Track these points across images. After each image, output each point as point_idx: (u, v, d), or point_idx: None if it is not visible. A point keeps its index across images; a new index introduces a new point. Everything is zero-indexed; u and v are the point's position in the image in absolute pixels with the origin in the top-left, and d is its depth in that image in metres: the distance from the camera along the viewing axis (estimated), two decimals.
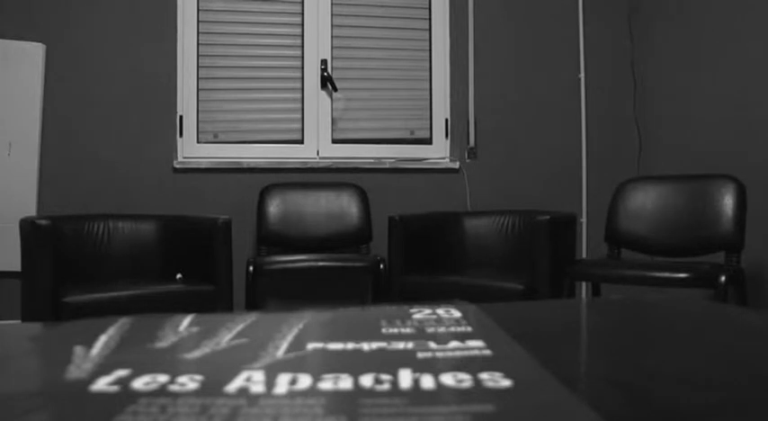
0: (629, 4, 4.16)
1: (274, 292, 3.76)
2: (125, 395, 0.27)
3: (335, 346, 0.36)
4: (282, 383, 0.29)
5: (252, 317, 0.43)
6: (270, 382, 0.29)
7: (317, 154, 3.90)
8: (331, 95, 3.92)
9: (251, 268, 3.24)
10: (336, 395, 0.27)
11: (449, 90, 4.01)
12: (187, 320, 0.43)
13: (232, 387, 0.29)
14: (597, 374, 0.36)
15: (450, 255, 3.55)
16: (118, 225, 3.24)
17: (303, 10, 3.89)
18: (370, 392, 0.28)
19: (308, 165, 3.79)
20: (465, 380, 0.29)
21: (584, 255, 4.01)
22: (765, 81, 3.19)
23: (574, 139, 4.09)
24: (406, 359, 0.33)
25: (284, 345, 0.36)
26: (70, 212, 3.48)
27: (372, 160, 3.88)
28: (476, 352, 0.34)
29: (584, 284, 3.92)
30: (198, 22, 3.78)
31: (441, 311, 0.44)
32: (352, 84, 3.95)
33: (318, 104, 3.90)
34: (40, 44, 3.50)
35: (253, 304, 3.27)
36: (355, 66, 3.95)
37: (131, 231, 3.25)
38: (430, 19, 4.03)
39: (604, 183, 4.07)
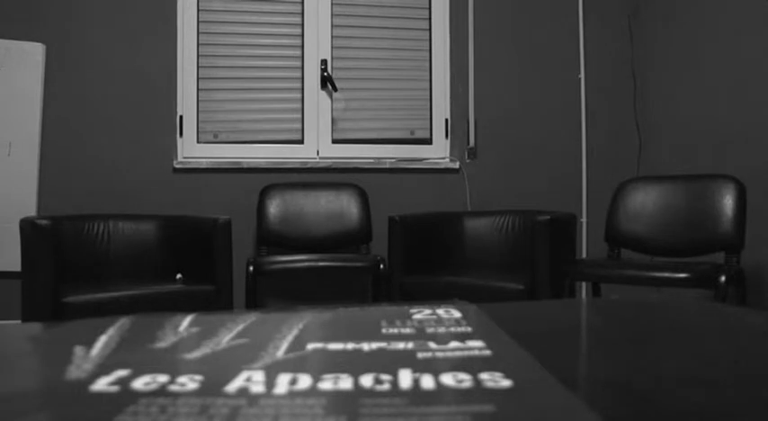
0: (629, 4, 4.16)
1: (274, 292, 3.76)
2: (125, 395, 0.27)
3: (335, 346, 0.36)
4: (282, 383, 0.29)
5: (252, 318, 0.43)
6: (270, 382, 0.29)
7: (317, 154, 3.90)
8: (331, 95, 3.92)
9: (251, 268, 3.24)
10: (336, 395, 0.27)
11: (449, 90, 4.01)
12: (187, 320, 0.43)
13: (232, 387, 0.29)
14: (597, 374, 0.36)
15: (450, 255, 3.55)
16: (118, 225, 3.24)
17: (303, 10, 3.89)
18: (370, 392, 0.28)
19: (308, 165, 3.79)
20: (465, 380, 0.29)
21: (584, 255, 4.01)
22: (765, 81, 3.19)
23: (574, 139, 4.09)
24: (406, 359, 0.33)
25: (284, 345, 0.36)
26: (70, 212, 3.48)
27: (372, 160, 3.88)
28: (476, 352, 0.34)
29: (584, 284, 3.92)
30: (198, 22, 3.78)
31: (441, 311, 0.44)
32: (352, 84, 3.95)
33: (318, 104, 3.90)
34: (39, 44, 3.50)
35: (253, 304, 3.27)
36: (355, 66, 3.96)
37: (131, 231, 3.25)
38: (430, 19, 4.03)
39: (604, 183, 4.07)
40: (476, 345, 0.35)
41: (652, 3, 4.04)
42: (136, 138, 3.65)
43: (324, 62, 3.89)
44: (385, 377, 0.30)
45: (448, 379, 0.29)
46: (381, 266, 3.28)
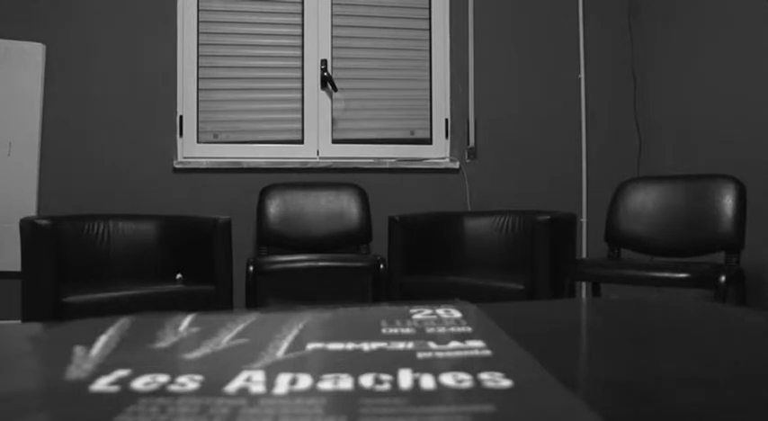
0: (629, 4, 4.16)
1: (274, 292, 3.76)
2: (125, 395, 0.27)
3: (335, 346, 0.36)
4: (282, 383, 0.29)
5: (252, 318, 0.43)
6: (270, 382, 0.29)
7: (317, 154, 3.90)
8: (331, 95, 3.92)
9: (251, 268, 3.24)
10: (336, 395, 0.27)
11: (449, 90, 4.01)
12: (187, 320, 0.43)
13: (232, 387, 0.29)
14: (597, 374, 0.36)
15: (450, 255, 3.55)
16: (118, 225, 3.24)
17: (303, 10, 3.89)
18: (370, 392, 0.28)
19: (308, 165, 3.79)
20: (465, 380, 0.29)
21: (584, 255, 4.01)
22: (765, 81, 3.19)
23: (574, 139, 4.09)
24: (406, 359, 0.33)
25: (284, 345, 0.36)
26: (70, 212, 3.48)
27: (372, 160, 3.88)
28: (476, 352, 0.34)
29: (584, 284, 3.92)
30: (198, 22, 3.78)
31: (441, 311, 0.44)
32: (352, 84, 3.95)
33: (318, 104, 3.90)
34: (39, 44, 3.50)
35: (253, 304, 3.27)
36: (355, 66, 3.96)
37: (131, 231, 3.25)
38: (430, 19, 4.03)
39: (604, 183, 4.07)
40: (476, 345, 0.35)
41: (652, 3, 4.04)
42: (136, 138, 3.65)
43: (324, 62, 3.89)
44: (385, 377, 0.30)
45: (448, 379, 0.29)
46: (381, 266, 3.28)
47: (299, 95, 3.90)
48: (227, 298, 2.90)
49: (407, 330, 0.39)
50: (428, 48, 4.03)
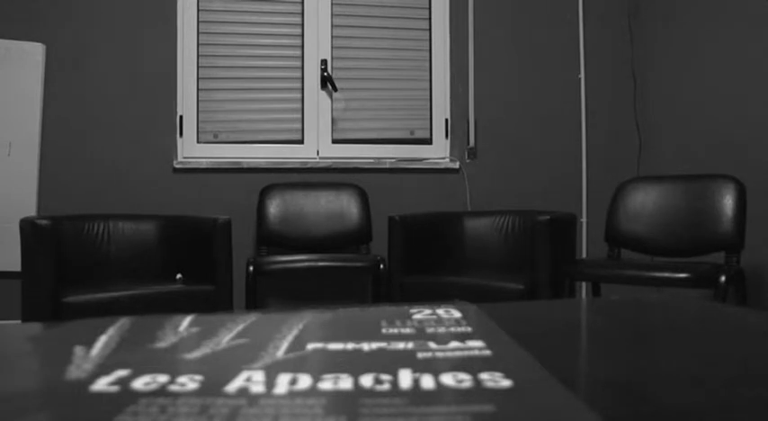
0: (629, 4, 4.16)
1: (274, 292, 3.76)
2: (125, 395, 0.27)
3: (335, 346, 0.36)
4: (282, 383, 0.29)
5: (252, 318, 0.43)
6: (270, 382, 0.29)
7: (317, 154, 3.90)
8: (331, 95, 3.92)
9: (251, 268, 3.24)
10: (336, 395, 0.27)
11: (449, 90, 4.01)
12: (187, 320, 0.43)
13: (232, 387, 0.29)
14: (597, 374, 0.36)
15: (450, 255, 3.55)
16: (118, 225, 3.24)
17: (303, 10, 3.89)
18: (370, 392, 0.28)
19: (308, 165, 3.79)
20: (465, 380, 0.29)
21: (584, 255, 4.01)
22: (765, 81, 3.19)
23: (574, 139, 4.09)
24: (406, 359, 0.33)
25: (284, 345, 0.36)
26: (70, 212, 3.48)
27: (372, 160, 3.88)
28: (476, 352, 0.34)
29: (584, 284, 3.92)
30: (198, 22, 3.78)
31: (441, 311, 0.44)
32: (352, 84, 3.95)
33: (318, 104, 3.90)
34: (39, 44, 3.50)
35: (253, 304, 3.27)
36: (355, 66, 3.96)
37: (131, 231, 3.25)
38: (430, 19, 4.03)
39: (604, 183, 4.07)
40: (476, 345, 0.35)
41: (652, 3, 4.04)
42: (136, 138, 3.65)
43: (324, 62, 3.89)
44: (385, 377, 0.30)
45: (448, 379, 0.29)
46: (381, 266, 3.28)
47: (299, 95, 3.90)
48: (227, 298, 2.90)
49: (407, 330, 0.39)
50: (428, 48, 4.03)
